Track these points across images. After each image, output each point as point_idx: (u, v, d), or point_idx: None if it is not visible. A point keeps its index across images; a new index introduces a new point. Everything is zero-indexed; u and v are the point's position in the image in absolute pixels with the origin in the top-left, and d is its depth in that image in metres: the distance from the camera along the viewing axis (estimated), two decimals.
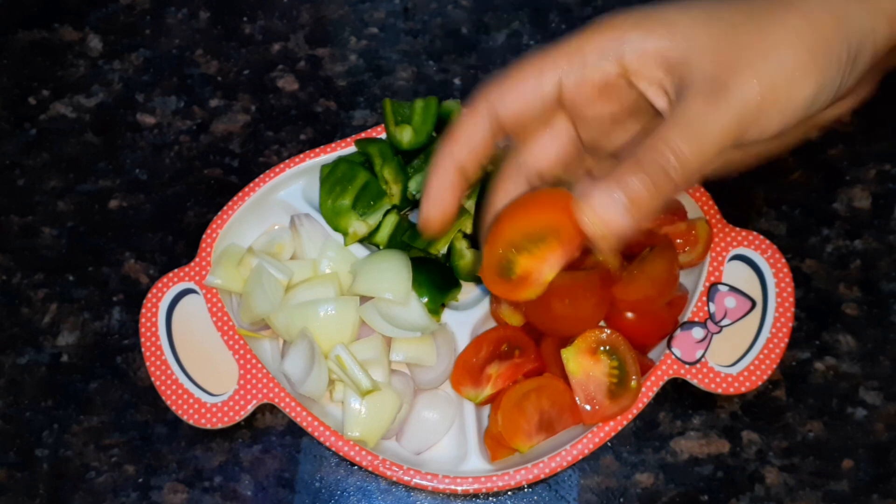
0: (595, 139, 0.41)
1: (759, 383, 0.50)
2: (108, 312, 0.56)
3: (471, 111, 0.40)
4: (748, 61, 0.35)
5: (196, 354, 0.52)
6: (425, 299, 0.52)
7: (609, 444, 0.51)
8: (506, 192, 0.41)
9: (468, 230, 0.55)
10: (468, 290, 0.55)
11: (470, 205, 0.55)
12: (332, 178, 0.55)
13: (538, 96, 0.39)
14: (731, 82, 0.34)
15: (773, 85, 0.35)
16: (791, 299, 0.52)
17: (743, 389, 0.50)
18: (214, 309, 0.53)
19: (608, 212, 0.34)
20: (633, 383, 0.48)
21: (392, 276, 0.51)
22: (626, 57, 0.37)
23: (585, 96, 0.39)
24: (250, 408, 0.50)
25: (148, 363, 0.52)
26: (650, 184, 0.34)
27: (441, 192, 0.40)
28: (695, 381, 0.50)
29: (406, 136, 0.55)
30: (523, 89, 0.39)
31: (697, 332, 0.51)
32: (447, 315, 0.53)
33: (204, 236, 0.54)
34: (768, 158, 0.39)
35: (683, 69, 0.36)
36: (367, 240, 0.55)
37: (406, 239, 0.54)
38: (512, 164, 0.42)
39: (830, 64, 0.35)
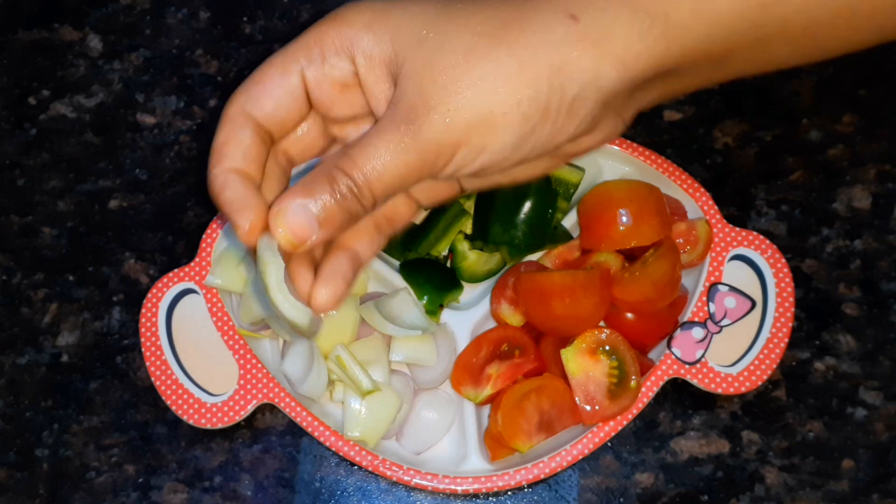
0: (341, 137, 0.40)
1: (759, 383, 0.50)
2: (108, 312, 0.56)
3: (226, 121, 0.37)
4: (448, 98, 0.34)
5: (196, 354, 0.52)
6: (425, 299, 0.52)
7: (609, 444, 0.51)
8: (269, 188, 0.38)
9: (468, 230, 0.55)
10: (468, 290, 0.55)
11: (469, 205, 0.55)
12: None
13: (286, 93, 0.37)
14: (422, 118, 0.34)
15: (467, 127, 0.34)
16: (791, 299, 0.52)
17: (743, 389, 0.50)
18: (214, 309, 0.53)
19: (299, 222, 0.34)
20: (633, 383, 0.48)
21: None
22: (357, 59, 0.36)
23: (327, 94, 0.37)
24: (250, 408, 0.50)
25: (148, 363, 0.52)
26: (340, 202, 0.34)
27: (239, 202, 0.36)
28: (695, 381, 0.50)
29: None
30: (271, 88, 0.37)
31: (697, 332, 0.51)
32: (447, 315, 0.53)
33: (204, 236, 0.54)
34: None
35: (397, 86, 0.35)
36: None
37: (406, 239, 0.54)
38: (272, 160, 0.39)
39: (536, 112, 0.34)
